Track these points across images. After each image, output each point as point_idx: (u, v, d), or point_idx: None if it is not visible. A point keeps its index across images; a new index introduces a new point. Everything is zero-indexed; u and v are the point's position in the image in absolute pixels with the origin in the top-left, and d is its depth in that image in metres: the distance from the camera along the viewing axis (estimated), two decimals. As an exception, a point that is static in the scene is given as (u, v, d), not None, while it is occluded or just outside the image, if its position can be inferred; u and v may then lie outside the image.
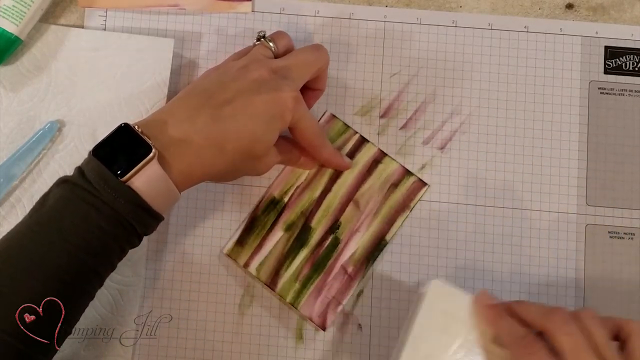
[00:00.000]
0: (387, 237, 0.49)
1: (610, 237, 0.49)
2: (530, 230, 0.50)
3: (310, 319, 0.47)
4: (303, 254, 0.48)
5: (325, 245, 0.49)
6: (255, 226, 0.49)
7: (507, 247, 0.49)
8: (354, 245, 0.49)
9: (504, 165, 0.50)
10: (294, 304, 0.48)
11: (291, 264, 0.48)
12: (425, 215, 0.50)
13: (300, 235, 0.49)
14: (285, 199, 0.49)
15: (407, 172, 0.49)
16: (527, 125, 0.51)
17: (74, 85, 0.50)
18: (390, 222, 0.49)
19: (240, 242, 0.49)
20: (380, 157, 0.50)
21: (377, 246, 0.49)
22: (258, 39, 0.46)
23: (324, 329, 0.47)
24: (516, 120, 0.51)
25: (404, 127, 0.51)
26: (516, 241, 0.49)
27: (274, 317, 0.49)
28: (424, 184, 0.49)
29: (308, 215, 0.49)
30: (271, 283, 0.48)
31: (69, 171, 0.48)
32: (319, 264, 0.48)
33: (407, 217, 0.49)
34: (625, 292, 0.49)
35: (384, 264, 0.49)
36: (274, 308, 0.49)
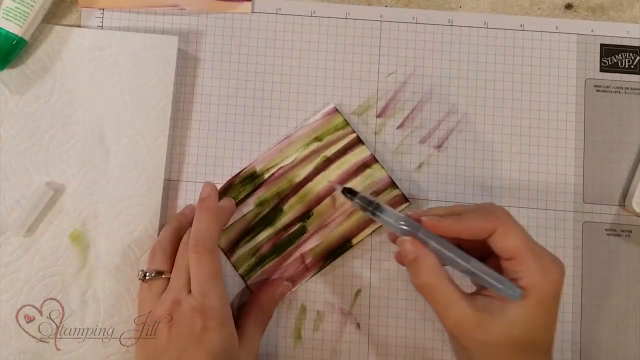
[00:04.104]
0: (353, 241, 0.48)
1: (607, 234, 0.49)
2: (527, 228, 0.49)
3: None
4: (267, 232, 0.48)
5: (291, 231, 0.48)
6: (228, 194, 0.49)
7: (505, 246, 0.49)
8: (319, 239, 0.48)
9: (500, 164, 0.50)
10: (244, 277, 0.48)
11: (252, 239, 0.48)
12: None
13: (269, 214, 0.49)
14: (265, 176, 0.49)
15: (393, 184, 0.49)
16: (524, 123, 0.51)
17: (79, 85, 0.50)
18: (360, 227, 0.49)
19: None
20: (370, 162, 0.49)
21: (341, 246, 0.48)
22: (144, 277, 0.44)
23: None
24: (512, 118, 0.51)
25: (400, 126, 0.51)
26: (513, 239, 0.49)
27: (273, 317, 0.49)
28: (406, 200, 0.49)
29: (283, 198, 0.49)
30: (228, 251, 0.48)
31: (76, 171, 0.48)
32: (279, 247, 0.48)
33: (376, 228, 0.49)
34: (622, 289, 0.49)
35: (381, 263, 0.49)
36: (272, 307, 0.49)
